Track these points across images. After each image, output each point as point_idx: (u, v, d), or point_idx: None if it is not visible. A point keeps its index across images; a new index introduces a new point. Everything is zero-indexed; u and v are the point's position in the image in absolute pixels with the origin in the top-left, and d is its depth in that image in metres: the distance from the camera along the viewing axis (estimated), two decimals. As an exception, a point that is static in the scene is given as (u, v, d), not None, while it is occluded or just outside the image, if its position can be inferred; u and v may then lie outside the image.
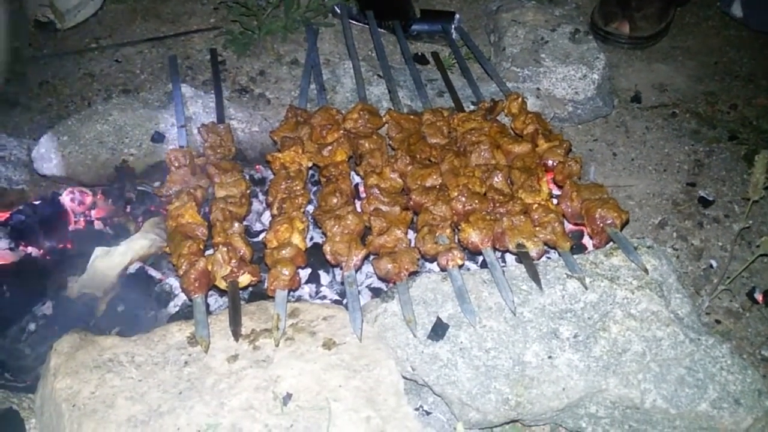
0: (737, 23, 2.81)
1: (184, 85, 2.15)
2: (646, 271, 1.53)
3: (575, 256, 1.58)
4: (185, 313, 1.62)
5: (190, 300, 1.52)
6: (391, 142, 1.97)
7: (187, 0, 2.73)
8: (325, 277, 1.73)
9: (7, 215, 1.80)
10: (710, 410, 1.36)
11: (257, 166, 2.03)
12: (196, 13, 2.68)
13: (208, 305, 1.57)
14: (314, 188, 1.94)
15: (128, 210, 1.88)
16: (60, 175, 1.92)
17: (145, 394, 1.33)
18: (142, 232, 1.80)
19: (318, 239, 1.79)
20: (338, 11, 2.54)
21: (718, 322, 1.77)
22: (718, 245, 1.96)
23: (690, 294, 1.75)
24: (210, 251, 1.60)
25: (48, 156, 1.91)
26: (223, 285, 1.54)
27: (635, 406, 1.38)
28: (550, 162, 1.83)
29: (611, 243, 1.62)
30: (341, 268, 1.59)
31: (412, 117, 2.01)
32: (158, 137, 2.00)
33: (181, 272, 1.53)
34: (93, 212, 1.86)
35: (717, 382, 1.39)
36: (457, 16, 2.61)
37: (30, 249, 1.75)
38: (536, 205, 1.68)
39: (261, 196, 1.92)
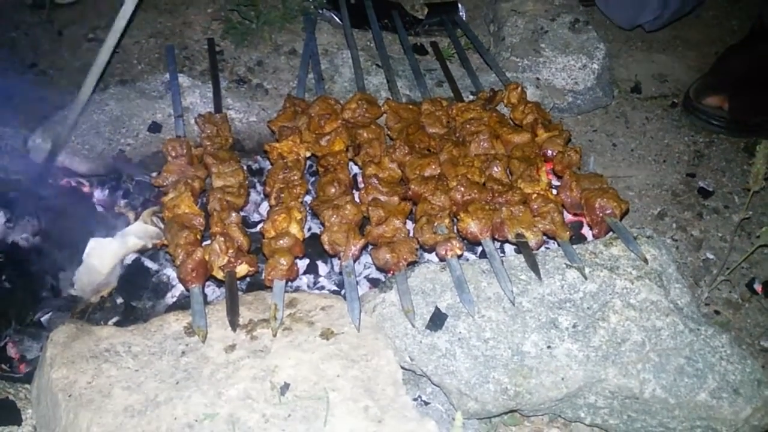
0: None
1: (181, 75, 2.14)
2: (645, 260, 1.53)
3: (574, 246, 1.57)
4: (182, 304, 1.61)
5: (188, 290, 1.51)
6: (389, 131, 1.96)
7: (185, -10, 2.71)
8: (323, 268, 1.72)
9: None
10: (709, 400, 1.36)
11: (255, 156, 2.02)
12: (193, 3, 2.66)
13: (205, 295, 1.56)
14: (312, 178, 1.93)
15: (125, 200, 1.87)
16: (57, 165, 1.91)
17: (141, 384, 1.32)
18: (139, 222, 1.78)
19: (316, 229, 1.78)
20: (333, 16, 2.53)
21: (717, 312, 1.77)
22: (718, 236, 1.96)
23: (689, 284, 1.75)
24: (207, 241, 1.59)
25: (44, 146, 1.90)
26: (220, 275, 1.53)
27: (634, 396, 1.37)
28: (549, 152, 1.82)
29: (611, 233, 1.61)
30: (339, 258, 1.58)
31: (410, 107, 2.00)
32: (155, 127, 1.99)
33: (178, 262, 1.53)
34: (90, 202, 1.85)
35: (716, 372, 1.38)
36: (460, 5, 2.60)
37: (26, 239, 1.74)
38: (535, 195, 1.67)
39: (259, 187, 1.91)
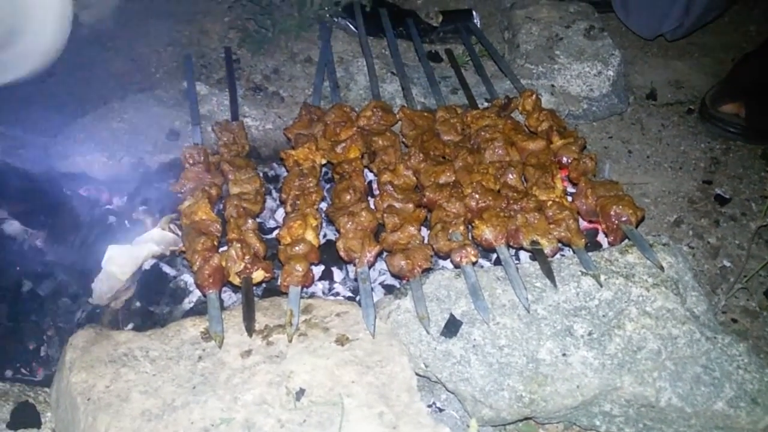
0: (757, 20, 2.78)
1: (198, 84, 2.16)
2: (661, 268, 1.52)
3: (590, 254, 1.57)
4: (199, 309, 1.63)
5: (204, 296, 1.53)
6: (404, 139, 1.97)
7: (202, -1, 2.74)
8: (338, 274, 1.73)
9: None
10: (726, 409, 1.35)
11: (271, 164, 2.04)
12: (210, 12, 2.69)
13: (222, 301, 1.57)
14: (327, 185, 1.94)
15: (144, 207, 1.89)
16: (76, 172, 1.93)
17: (159, 388, 1.33)
18: (157, 229, 1.80)
19: (331, 236, 1.79)
20: (348, 24, 2.55)
21: (734, 321, 1.75)
22: (735, 243, 1.94)
23: (706, 292, 1.73)
24: (224, 248, 1.61)
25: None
26: (236, 281, 1.54)
27: (650, 404, 1.36)
28: (564, 159, 1.82)
29: (626, 240, 1.61)
30: (354, 265, 1.59)
31: (425, 114, 2.01)
32: (173, 135, 2.02)
33: (195, 268, 1.54)
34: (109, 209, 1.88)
35: (734, 380, 1.37)
36: (474, 13, 2.61)
37: (46, 244, 1.77)
38: (551, 202, 1.67)
39: (275, 194, 1.93)
